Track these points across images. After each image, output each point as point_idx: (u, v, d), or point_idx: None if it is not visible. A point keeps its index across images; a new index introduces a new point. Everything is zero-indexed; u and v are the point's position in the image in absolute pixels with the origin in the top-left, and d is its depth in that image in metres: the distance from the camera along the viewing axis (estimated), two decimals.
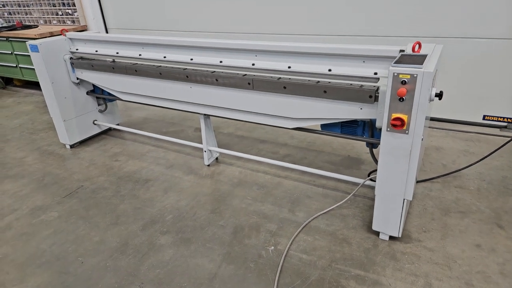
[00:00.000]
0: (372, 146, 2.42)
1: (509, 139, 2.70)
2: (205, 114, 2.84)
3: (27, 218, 2.58)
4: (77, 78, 3.33)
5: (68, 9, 5.44)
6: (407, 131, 1.81)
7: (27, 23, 5.89)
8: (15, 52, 5.31)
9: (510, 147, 3.16)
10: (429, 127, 3.63)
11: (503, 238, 2.13)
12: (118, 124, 3.93)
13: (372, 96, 2.04)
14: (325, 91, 2.18)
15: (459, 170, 2.79)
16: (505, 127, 3.54)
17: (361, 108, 2.12)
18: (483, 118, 3.61)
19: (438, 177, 2.75)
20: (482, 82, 3.45)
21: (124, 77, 3.00)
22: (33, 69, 3.23)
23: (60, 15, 5.59)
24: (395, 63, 1.79)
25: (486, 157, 2.76)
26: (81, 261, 2.15)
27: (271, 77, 2.37)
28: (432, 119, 3.78)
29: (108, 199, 2.73)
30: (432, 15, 3.37)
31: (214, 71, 2.55)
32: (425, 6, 3.36)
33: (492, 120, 3.58)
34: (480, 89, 3.49)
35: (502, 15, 3.14)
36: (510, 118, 3.50)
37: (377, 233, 2.19)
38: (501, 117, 3.54)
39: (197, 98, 2.72)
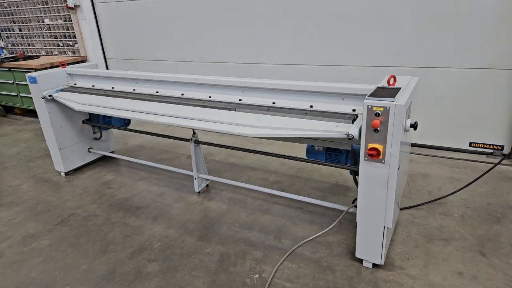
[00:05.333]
0: (356, 173, 2.49)
1: (492, 165, 2.77)
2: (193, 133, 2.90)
3: (19, 246, 2.61)
4: (50, 95, 3.26)
5: (69, 40, 5.67)
6: (383, 161, 1.89)
7: (30, 54, 6.12)
8: (16, 82, 5.49)
9: (495, 174, 3.22)
10: (417, 154, 3.71)
11: (485, 266, 2.15)
12: (112, 152, 4.01)
13: (351, 118, 2.12)
14: (306, 113, 2.26)
15: (444, 197, 2.84)
16: (491, 153, 3.61)
17: (337, 126, 2.15)
18: (469, 145, 3.69)
19: (423, 204, 2.80)
20: (468, 110, 3.55)
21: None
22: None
23: (61, 46, 5.81)
24: (369, 96, 1.89)
25: (470, 183, 2.82)
26: None
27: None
28: (420, 145, 3.86)
29: (99, 227, 2.77)
30: (420, 45, 3.52)
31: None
32: (412, 37, 3.52)
33: (478, 147, 3.66)
34: (466, 116, 3.59)
35: (484, 47, 3.29)
36: (495, 145, 3.58)
37: (360, 261, 2.22)
38: (487, 144, 3.62)
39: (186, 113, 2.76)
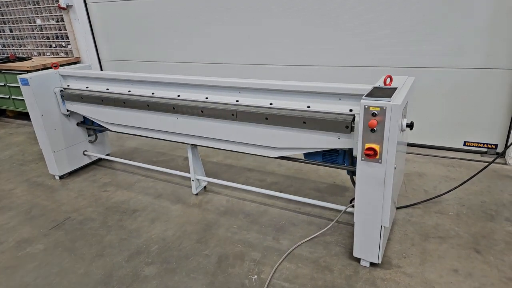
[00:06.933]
0: (353, 174, 2.50)
1: (486, 164, 2.81)
2: (192, 144, 2.91)
3: (13, 251, 2.58)
4: (67, 110, 3.42)
5: (61, 41, 5.61)
6: (380, 160, 1.90)
7: (21, 55, 6.04)
8: (8, 84, 5.42)
9: (489, 172, 3.26)
10: (413, 154, 3.74)
11: (480, 263, 2.18)
12: (108, 154, 3.98)
13: (348, 127, 2.14)
14: (304, 122, 2.27)
15: (440, 195, 2.87)
16: (486, 152, 3.66)
17: (339, 138, 2.21)
18: (464, 144, 3.73)
19: (419, 203, 2.83)
20: (463, 109, 3.59)
21: (112, 109, 3.08)
22: None
23: (54, 47, 5.75)
24: (366, 96, 1.90)
25: (464, 182, 2.85)
26: None
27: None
28: (415, 145, 3.89)
29: (95, 231, 2.74)
30: (415, 46, 3.54)
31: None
32: (408, 38, 3.54)
33: (473, 146, 3.70)
34: (460, 116, 3.62)
35: (478, 47, 3.32)
36: (489, 144, 3.62)
37: (358, 260, 2.23)
38: (481, 143, 3.66)
39: (184, 129, 2.79)
